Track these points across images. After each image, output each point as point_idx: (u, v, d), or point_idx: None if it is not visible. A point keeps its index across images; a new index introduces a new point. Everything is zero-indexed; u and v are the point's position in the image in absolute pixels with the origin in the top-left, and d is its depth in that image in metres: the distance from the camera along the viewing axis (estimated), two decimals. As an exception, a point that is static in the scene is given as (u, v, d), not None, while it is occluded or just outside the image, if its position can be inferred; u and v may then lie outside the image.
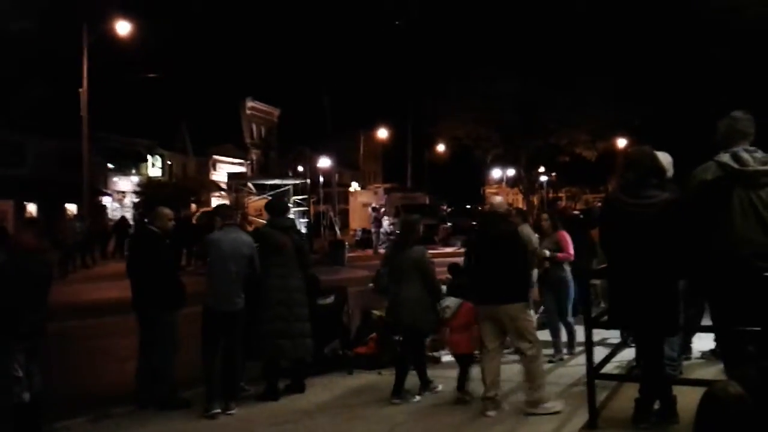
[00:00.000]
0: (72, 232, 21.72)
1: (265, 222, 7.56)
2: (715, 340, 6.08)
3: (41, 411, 5.64)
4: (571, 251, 7.75)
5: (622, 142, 35.26)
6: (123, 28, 25.43)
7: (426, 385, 6.52)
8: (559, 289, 7.75)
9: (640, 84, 29.33)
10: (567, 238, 7.86)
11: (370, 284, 8.86)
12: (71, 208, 33.61)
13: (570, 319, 7.78)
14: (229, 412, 6.04)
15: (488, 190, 63.55)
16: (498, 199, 7.17)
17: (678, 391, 4.33)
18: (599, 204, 15.62)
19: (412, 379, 6.45)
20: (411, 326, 6.41)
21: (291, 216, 7.61)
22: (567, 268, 7.78)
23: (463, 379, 6.32)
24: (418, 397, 6.40)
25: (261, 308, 6.47)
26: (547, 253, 7.66)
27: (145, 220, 14.83)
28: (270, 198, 26.26)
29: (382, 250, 29.04)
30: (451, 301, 6.49)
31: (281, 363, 6.79)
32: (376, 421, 5.81)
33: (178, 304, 6.41)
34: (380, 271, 6.91)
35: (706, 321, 5.38)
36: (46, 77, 29.61)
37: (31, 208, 33.35)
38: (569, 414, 5.67)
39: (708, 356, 6.54)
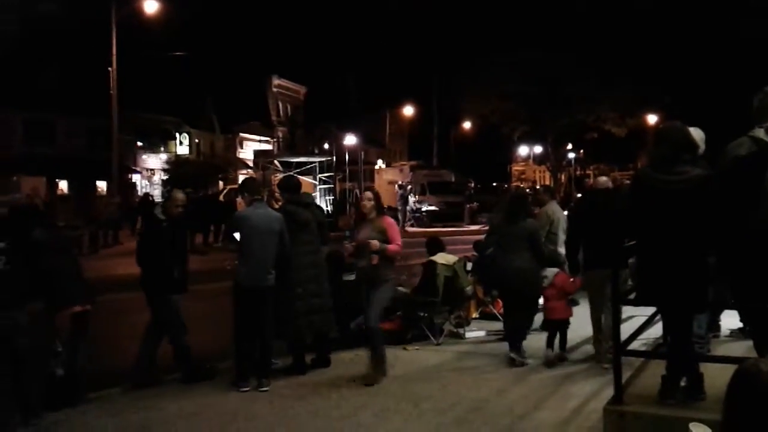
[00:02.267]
0: (109, 209, 22.10)
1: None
2: (741, 319, 6.03)
3: (82, 384, 5.80)
4: None
5: (652, 119, 34.63)
6: (150, 6, 25.54)
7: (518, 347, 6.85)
8: None
9: (670, 61, 28.76)
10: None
11: (473, 253, 9.30)
12: (101, 185, 34.12)
13: None
14: (262, 389, 6.10)
15: (515, 168, 63.14)
16: (603, 178, 7.58)
17: (705, 368, 4.29)
18: (627, 182, 15.40)
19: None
20: (522, 292, 6.77)
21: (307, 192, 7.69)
22: None
23: (563, 341, 6.94)
24: (530, 360, 6.78)
25: (292, 286, 6.49)
26: None
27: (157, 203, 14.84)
28: (296, 175, 26.44)
29: (408, 228, 29.08)
30: (548, 271, 6.91)
31: (307, 338, 6.87)
32: (401, 395, 5.87)
33: (176, 289, 6.37)
34: (484, 241, 7.40)
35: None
36: (75, 56, 29.92)
37: (63, 185, 33.94)
38: (595, 390, 5.68)
39: (736, 334, 6.47)
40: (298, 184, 7.44)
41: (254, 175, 33.81)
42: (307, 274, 6.58)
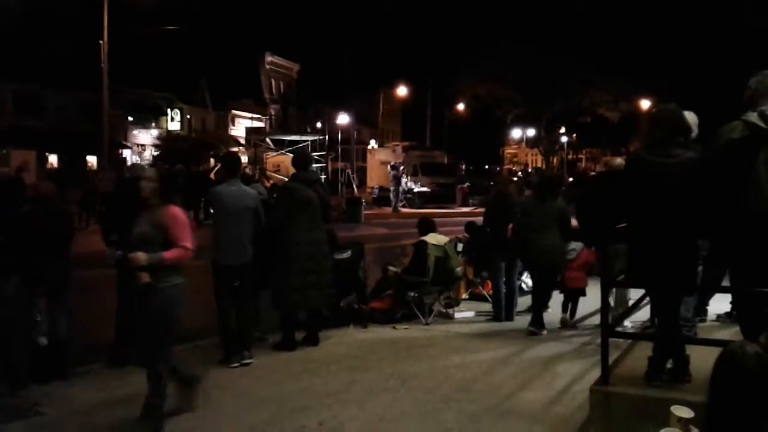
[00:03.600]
0: (104, 183, 21.90)
1: (282, 177, 7.59)
2: (732, 302, 6.07)
3: (65, 356, 5.79)
4: None
5: (645, 104, 34.63)
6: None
7: (540, 320, 7.33)
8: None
9: (664, 45, 28.72)
10: None
11: (464, 234, 9.70)
12: (91, 160, 33.87)
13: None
14: (245, 362, 6.14)
15: (507, 150, 63.08)
16: (618, 160, 7.68)
17: (691, 350, 4.33)
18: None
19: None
20: (549, 267, 7.28)
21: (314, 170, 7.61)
22: None
23: (574, 309, 7.66)
24: (545, 331, 7.23)
25: (290, 262, 6.52)
26: None
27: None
28: (290, 153, 26.24)
29: (402, 209, 29.07)
30: (576, 245, 7.38)
31: (299, 315, 6.89)
32: (390, 373, 5.90)
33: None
34: (518, 218, 7.53)
35: (725, 284, 5.35)
36: (66, 29, 29.55)
37: (52, 159, 33.66)
38: (582, 371, 5.73)
39: (723, 319, 6.51)
40: (309, 160, 7.45)
41: (246, 152, 33.70)
42: (304, 250, 6.59)
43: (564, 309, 7.68)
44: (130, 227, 4.68)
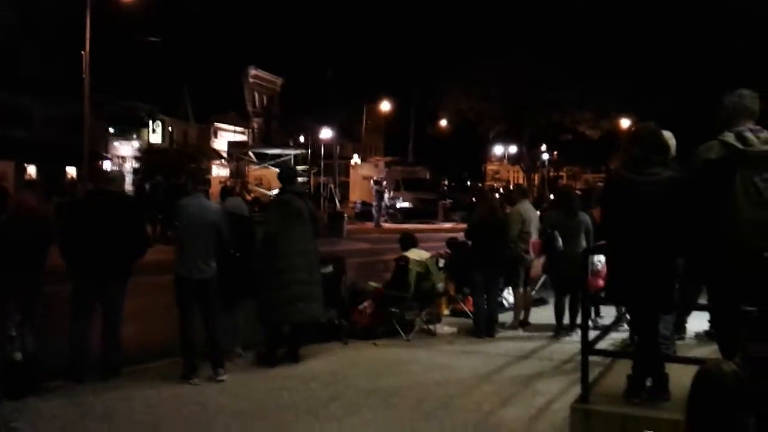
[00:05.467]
0: (82, 194, 21.69)
1: (264, 191, 7.61)
2: (710, 320, 6.13)
3: (35, 371, 5.68)
4: None
5: (625, 123, 35.08)
6: (127, -9, 25.10)
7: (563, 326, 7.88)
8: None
9: (645, 65, 29.16)
10: None
11: (445, 250, 9.81)
12: (71, 171, 33.52)
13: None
14: (219, 378, 6.05)
15: (489, 167, 63.43)
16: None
17: (670, 369, 4.35)
18: (600, 184, 15.56)
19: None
20: (575, 276, 7.19)
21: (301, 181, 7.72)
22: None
23: (597, 309, 8.16)
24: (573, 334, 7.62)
25: (281, 273, 6.50)
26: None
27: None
28: (273, 167, 26.23)
29: (384, 224, 29.08)
30: (600, 258, 7.57)
31: (284, 329, 6.81)
32: (371, 389, 5.87)
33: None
34: (550, 233, 7.87)
35: (703, 301, 5.40)
36: (48, 40, 29.31)
37: (31, 170, 33.25)
38: (563, 388, 5.74)
39: (702, 337, 6.58)
40: (295, 174, 7.56)
41: (228, 166, 33.53)
42: (297, 262, 6.57)
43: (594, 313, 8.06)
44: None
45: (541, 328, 8.40)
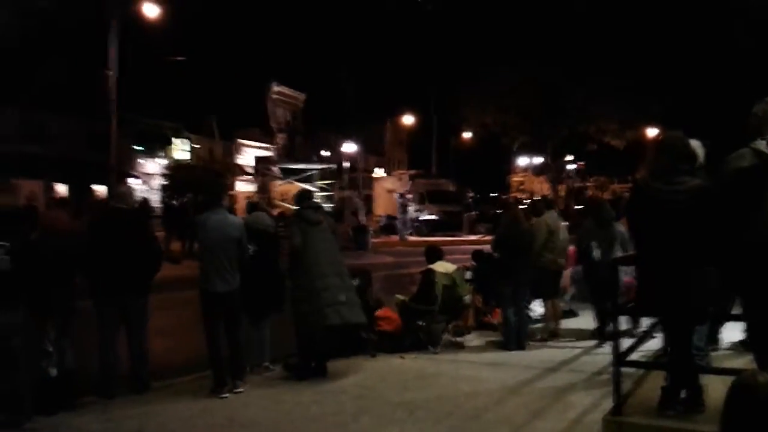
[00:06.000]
0: None
1: (289, 206, 7.77)
2: (745, 330, 6.01)
3: (72, 387, 5.75)
4: None
5: (651, 132, 34.73)
6: (151, 10, 25.52)
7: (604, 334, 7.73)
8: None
9: (670, 73, 28.92)
10: None
11: (471, 263, 9.83)
12: (99, 189, 34.04)
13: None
14: (236, 390, 6.11)
15: (514, 179, 63.15)
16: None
17: (705, 380, 4.28)
18: (627, 194, 15.39)
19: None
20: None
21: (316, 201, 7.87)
22: None
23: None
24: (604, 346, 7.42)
25: (314, 281, 6.56)
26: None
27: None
28: (297, 182, 26.45)
29: (409, 237, 29.05)
30: (630, 268, 7.76)
31: (319, 339, 6.76)
32: (398, 403, 5.84)
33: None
34: (590, 244, 8.03)
35: (737, 311, 5.31)
36: (73, 56, 29.80)
37: (61, 188, 33.82)
38: (595, 401, 5.66)
39: (737, 347, 6.46)
40: (310, 195, 7.80)
41: (254, 181, 33.81)
42: (326, 269, 6.65)
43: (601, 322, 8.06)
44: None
45: (570, 339, 8.31)
